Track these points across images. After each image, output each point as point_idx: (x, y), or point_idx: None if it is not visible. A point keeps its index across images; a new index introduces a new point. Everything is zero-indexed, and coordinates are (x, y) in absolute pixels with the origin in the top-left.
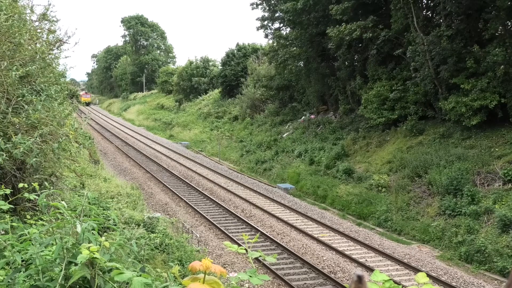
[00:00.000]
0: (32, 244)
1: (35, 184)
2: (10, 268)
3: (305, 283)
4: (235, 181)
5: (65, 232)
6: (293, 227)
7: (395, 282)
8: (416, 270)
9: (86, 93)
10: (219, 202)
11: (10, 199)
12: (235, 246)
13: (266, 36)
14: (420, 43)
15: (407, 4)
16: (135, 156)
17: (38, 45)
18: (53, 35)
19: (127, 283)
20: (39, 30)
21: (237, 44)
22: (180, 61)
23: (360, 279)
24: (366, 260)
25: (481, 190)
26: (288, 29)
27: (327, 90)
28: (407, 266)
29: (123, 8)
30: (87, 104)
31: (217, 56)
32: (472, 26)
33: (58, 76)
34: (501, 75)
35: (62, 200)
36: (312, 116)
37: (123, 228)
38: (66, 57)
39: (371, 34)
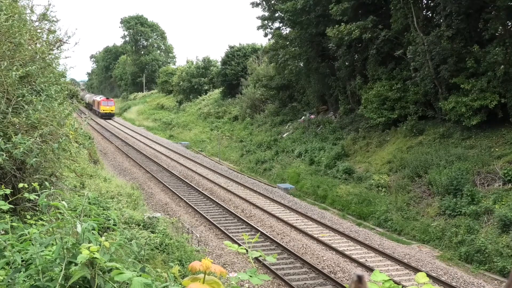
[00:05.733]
0: (32, 244)
1: (35, 184)
2: (10, 268)
3: (305, 283)
4: (235, 181)
5: (65, 232)
6: (293, 227)
7: (395, 282)
8: (416, 270)
9: (107, 99)
10: (219, 202)
11: (10, 199)
12: (236, 245)
13: (266, 35)
14: (420, 43)
15: (407, 4)
16: (135, 156)
17: (38, 45)
18: (53, 35)
19: (127, 283)
20: (39, 30)
21: (234, 46)
22: (180, 61)
23: (360, 279)
24: (366, 260)
25: (481, 190)
26: (288, 29)
27: (327, 90)
28: (407, 266)
29: (122, 8)
30: (110, 116)
31: (217, 56)
32: (472, 26)
33: (58, 76)
34: (501, 75)
35: (62, 200)
36: (312, 116)
37: (124, 228)
38: (66, 57)
39: (370, 34)
